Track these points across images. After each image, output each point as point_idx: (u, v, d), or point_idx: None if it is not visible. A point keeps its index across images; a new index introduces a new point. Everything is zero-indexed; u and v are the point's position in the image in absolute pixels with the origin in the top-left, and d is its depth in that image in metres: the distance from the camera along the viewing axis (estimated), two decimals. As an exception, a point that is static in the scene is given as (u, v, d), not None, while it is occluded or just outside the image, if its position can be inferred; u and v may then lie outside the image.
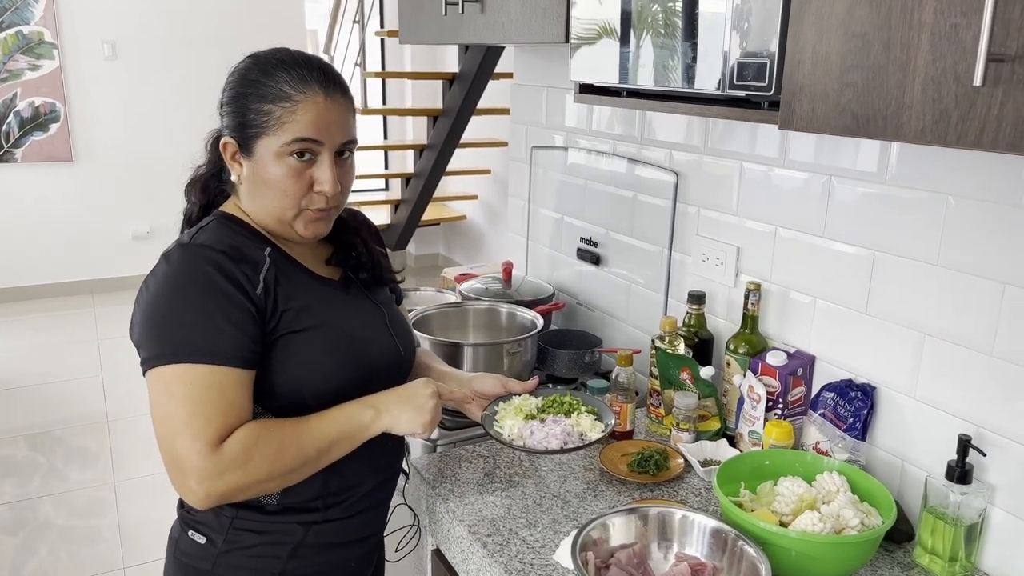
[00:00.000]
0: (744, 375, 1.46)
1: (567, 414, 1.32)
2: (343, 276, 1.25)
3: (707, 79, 1.13)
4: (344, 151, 1.14)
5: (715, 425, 1.52)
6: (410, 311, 1.77)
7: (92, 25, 5.43)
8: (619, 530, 1.13)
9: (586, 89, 1.42)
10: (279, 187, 1.10)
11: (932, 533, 1.17)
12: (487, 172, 5.95)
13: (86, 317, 5.26)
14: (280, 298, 1.10)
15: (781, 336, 1.50)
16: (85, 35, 5.44)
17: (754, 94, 1.06)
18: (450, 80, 5.09)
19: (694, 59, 1.15)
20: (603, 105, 1.41)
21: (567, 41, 1.42)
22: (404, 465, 1.40)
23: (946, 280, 1.20)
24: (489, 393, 1.34)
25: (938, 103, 0.82)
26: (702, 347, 1.59)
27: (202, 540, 1.16)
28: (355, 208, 1.35)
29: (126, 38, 5.53)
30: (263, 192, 1.12)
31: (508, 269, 2.08)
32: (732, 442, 1.50)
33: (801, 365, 1.41)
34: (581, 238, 2.04)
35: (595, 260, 1.99)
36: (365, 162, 6.08)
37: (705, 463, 1.43)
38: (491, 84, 4.91)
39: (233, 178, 1.15)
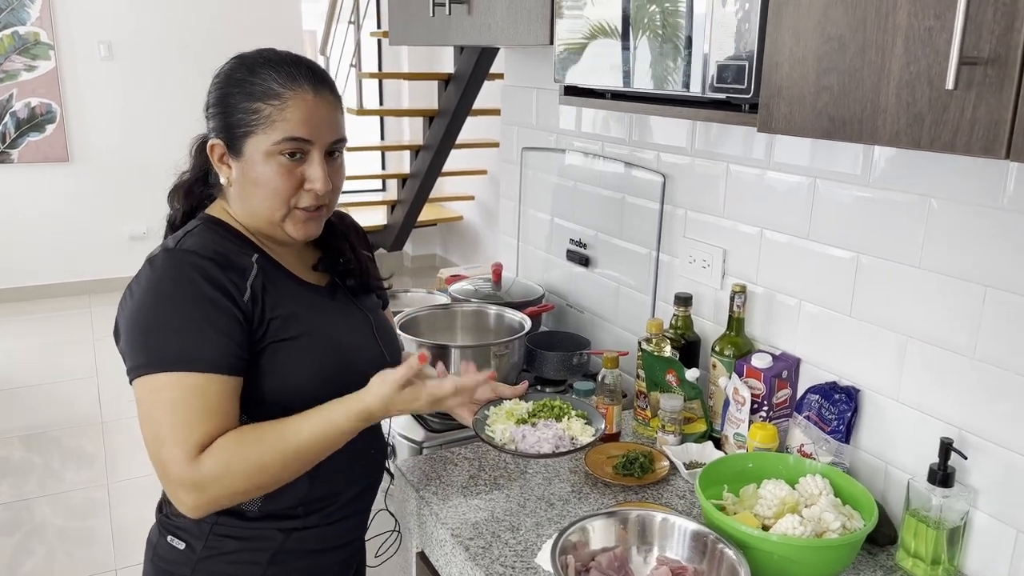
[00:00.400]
0: (730, 377, 1.46)
1: (558, 418, 1.32)
2: (330, 282, 1.24)
3: (689, 81, 1.13)
4: (334, 150, 1.13)
5: (701, 427, 1.52)
6: (398, 313, 1.77)
7: (88, 26, 5.44)
8: (599, 533, 1.13)
9: (571, 91, 1.42)
10: (269, 186, 1.09)
11: (915, 536, 1.17)
12: (483, 173, 5.95)
13: (82, 318, 5.26)
14: (267, 306, 1.09)
15: (767, 338, 1.50)
16: (81, 36, 5.44)
17: (734, 96, 1.06)
18: (446, 81, 5.09)
19: (676, 61, 1.14)
20: (587, 107, 1.40)
21: (552, 43, 1.42)
22: (389, 466, 1.40)
23: (929, 283, 1.20)
24: (480, 398, 1.31)
25: (912, 106, 0.82)
26: (688, 349, 1.59)
27: (181, 546, 1.15)
28: (343, 211, 1.34)
29: (122, 39, 5.54)
30: (253, 192, 1.11)
31: (498, 271, 2.08)
32: (718, 444, 1.50)
33: (786, 367, 1.41)
34: (571, 240, 2.04)
35: (584, 262, 1.99)
36: (362, 162, 6.09)
37: (690, 465, 1.43)
38: (486, 85, 4.91)
39: (222, 181, 1.14)
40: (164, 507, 1.19)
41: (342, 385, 1.15)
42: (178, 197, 1.20)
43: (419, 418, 1.62)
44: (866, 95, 0.87)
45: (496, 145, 5.25)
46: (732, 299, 1.48)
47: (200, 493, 1.01)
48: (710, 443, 1.49)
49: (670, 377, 1.51)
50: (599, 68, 1.30)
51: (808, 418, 1.35)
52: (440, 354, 1.65)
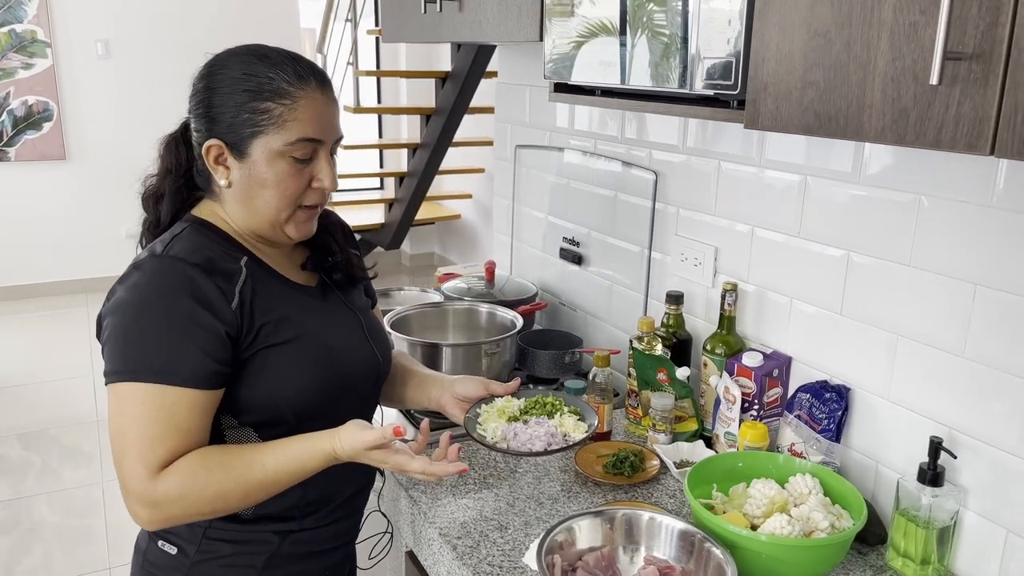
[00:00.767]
0: (721, 376, 1.45)
1: (550, 415, 1.30)
2: (320, 282, 1.22)
3: (677, 78, 1.12)
4: (334, 149, 1.13)
5: (692, 426, 1.51)
6: (390, 311, 1.77)
7: (85, 24, 5.43)
8: (586, 533, 1.12)
9: (562, 88, 1.41)
10: (279, 186, 1.07)
11: (904, 536, 1.16)
12: (480, 171, 5.94)
13: (79, 316, 5.25)
14: (257, 311, 1.07)
15: (758, 337, 1.49)
16: (78, 34, 5.43)
17: (722, 93, 1.05)
18: (443, 79, 5.08)
19: (665, 58, 1.14)
20: (578, 104, 1.40)
21: (541, 39, 1.41)
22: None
23: (918, 281, 1.19)
24: (471, 396, 1.30)
25: (897, 102, 0.81)
26: (680, 347, 1.58)
27: (173, 550, 1.13)
28: (327, 209, 1.33)
29: (119, 37, 5.53)
30: (258, 193, 1.08)
31: (491, 269, 2.07)
32: (709, 443, 1.49)
33: (777, 366, 1.40)
34: (564, 238, 2.03)
35: (577, 260, 1.98)
36: (359, 161, 6.08)
37: (681, 464, 1.42)
38: (484, 83, 4.90)
39: (221, 183, 1.09)
40: None
41: (332, 388, 1.14)
42: (165, 202, 1.15)
43: (409, 416, 1.61)
44: (852, 91, 0.86)
45: (492, 143, 5.24)
46: (723, 297, 1.47)
47: (155, 510, 1.00)
48: (701, 442, 1.48)
49: (661, 376, 1.50)
50: (589, 65, 1.29)
51: (799, 417, 1.34)
52: (431, 352, 1.64)
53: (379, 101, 6.52)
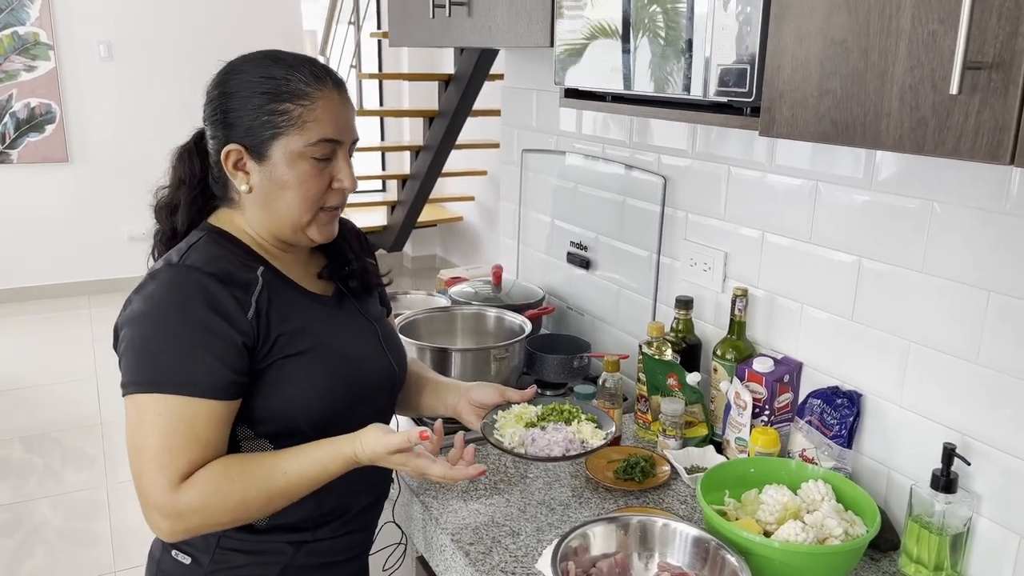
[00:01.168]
0: (731, 381, 1.45)
1: (567, 422, 1.31)
2: (336, 291, 1.21)
3: (690, 84, 1.12)
4: (351, 150, 1.13)
5: (702, 431, 1.51)
6: (397, 316, 1.77)
7: (88, 26, 5.43)
8: (600, 539, 1.12)
9: (572, 93, 1.41)
10: (300, 188, 1.07)
11: (917, 542, 1.16)
12: (483, 173, 5.94)
13: (81, 318, 5.25)
14: (273, 321, 1.07)
15: (768, 342, 1.49)
16: (81, 36, 5.43)
17: (736, 100, 1.05)
18: (446, 81, 5.08)
19: (677, 64, 1.14)
20: (588, 109, 1.40)
21: (552, 45, 1.42)
22: (395, 477, 1.38)
23: (931, 287, 1.19)
24: (487, 403, 1.30)
25: (916, 111, 0.82)
26: (690, 352, 1.58)
27: (187, 560, 1.13)
28: (342, 216, 1.33)
29: (122, 39, 5.53)
30: (279, 196, 1.08)
31: (498, 273, 2.07)
32: (719, 448, 1.49)
33: (788, 372, 1.41)
34: (571, 242, 2.03)
35: (585, 264, 1.99)
36: (362, 163, 6.07)
37: (691, 470, 1.42)
38: (486, 85, 4.91)
39: (241, 188, 1.09)
40: None
41: (347, 398, 1.14)
42: (181, 212, 1.14)
43: (420, 423, 1.61)
44: (869, 99, 0.86)
45: (497, 146, 5.25)
46: (734, 303, 1.48)
47: (177, 521, 1.00)
48: (711, 447, 1.48)
49: (671, 381, 1.50)
50: (600, 71, 1.29)
51: (810, 422, 1.34)
52: (440, 358, 1.64)
53: (381, 104, 6.53)
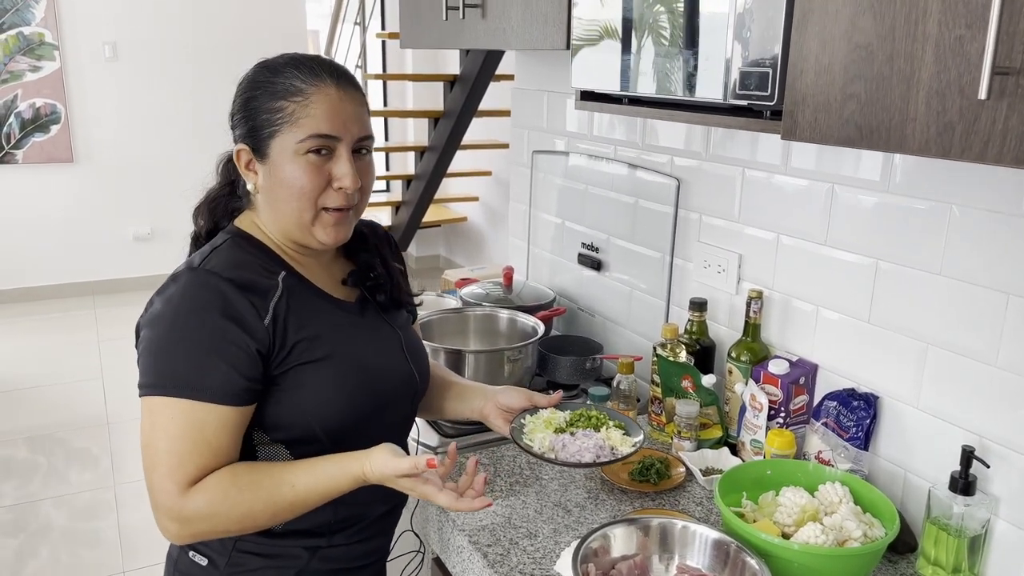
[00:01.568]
0: (746, 383, 1.46)
1: (596, 428, 1.31)
2: (359, 297, 1.20)
3: (709, 88, 1.12)
4: (362, 148, 1.10)
5: (717, 433, 1.51)
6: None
7: (93, 26, 5.43)
8: (620, 541, 1.13)
9: (587, 96, 1.42)
10: (296, 185, 1.06)
11: (935, 544, 1.16)
12: (488, 174, 5.94)
13: (87, 318, 5.26)
14: (291, 328, 1.06)
15: (783, 344, 1.49)
16: (86, 36, 5.43)
17: (756, 103, 1.06)
18: (451, 82, 5.08)
19: (696, 67, 1.14)
20: (604, 112, 1.40)
21: (568, 48, 1.42)
22: None
23: (949, 290, 1.19)
24: (514, 407, 1.30)
25: (942, 116, 0.82)
26: (704, 354, 1.58)
27: (203, 562, 1.13)
28: (376, 222, 1.31)
29: (127, 39, 5.53)
30: (280, 194, 1.08)
31: (509, 274, 2.07)
32: (734, 450, 1.49)
33: (803, 374, 1.41)
34: (582, 243, 2.04)
35: (596, 265, 1.99)
36: (366, 164, 6.06)
37: (707, 472, 1.43)
38: (492, 86, 4.90)
39: (249, 187, 1.11)
40: None
41: (366, 407, 1.13)
42: (203, 213, 1.17)
43: (434, 424, 1.61)
44: (895, 103, 0.86)
45: (502, 146, 5.25)
46: (748, 305, 1.48)
47: (184, 526, 1.01)
48: (726, 449, 1.49)
49: (686, 383, 1.50)
50: (616, 74, 1.30)
51: (826, 425, 1.35)
52: (454, 359, 1.65)
53: (385, 104, 6.53)
